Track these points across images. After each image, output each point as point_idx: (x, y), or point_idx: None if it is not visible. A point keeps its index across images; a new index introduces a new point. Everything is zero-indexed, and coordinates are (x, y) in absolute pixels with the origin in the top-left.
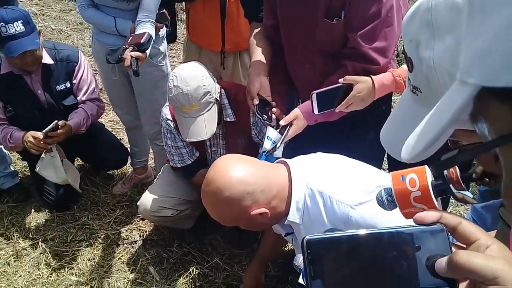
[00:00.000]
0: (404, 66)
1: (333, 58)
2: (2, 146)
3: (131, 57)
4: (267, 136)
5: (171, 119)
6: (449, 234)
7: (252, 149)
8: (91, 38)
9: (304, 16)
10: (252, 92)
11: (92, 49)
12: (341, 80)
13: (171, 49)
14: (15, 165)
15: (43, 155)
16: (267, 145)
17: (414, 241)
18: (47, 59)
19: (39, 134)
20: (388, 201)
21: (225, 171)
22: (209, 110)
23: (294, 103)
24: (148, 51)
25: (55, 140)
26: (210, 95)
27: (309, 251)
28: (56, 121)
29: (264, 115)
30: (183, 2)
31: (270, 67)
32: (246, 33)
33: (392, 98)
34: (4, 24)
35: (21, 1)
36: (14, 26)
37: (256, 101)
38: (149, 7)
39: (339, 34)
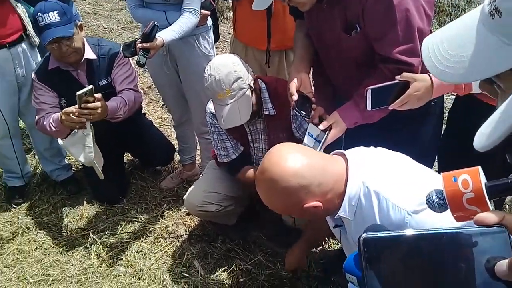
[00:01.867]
0: None
1: (365, 65)
2: (58, 139)
3: (139, 49)
4: (308, 133)
5: (215, 112)
6: (510, 236)
7: (295, 142)
8: None
9: (327, 31)
10: (292, 89)
11: None
12: (398, 76)
13: (216, 47)
14: (69, 158)
15: (75, 130)
16: (308, 141)
17: (473, 243)
18: (89, 55)
19: (72, 108)
20: (439, 203)
21: (281, 161)
22: (242, 96)
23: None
24: (164, 38)
25: (90, 114)
26: (242, 80)
27: (366, 250)
28: (91, 85)
29: (302, 111)
30: (230, 1)
31: (314, 67)
32: (292, 31)
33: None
34: (41, 14)
35: (74, 1)
36: (49, 16)
37: (295, 97)
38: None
39: (361, 45)
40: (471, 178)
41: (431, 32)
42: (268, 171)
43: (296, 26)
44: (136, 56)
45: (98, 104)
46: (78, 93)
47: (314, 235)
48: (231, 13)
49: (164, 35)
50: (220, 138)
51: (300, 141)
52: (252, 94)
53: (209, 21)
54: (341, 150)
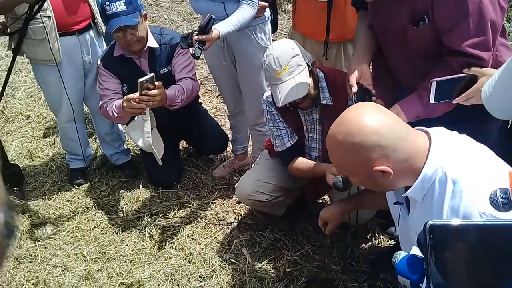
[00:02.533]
0: None
1: (431, 58)
2: (118, 124)
3: (195, 41)
4: None
5: (271, 97)
6: None
7: None
8: None
9: (393, 24)
10: (352, 80)
11: None
12: (465, 70)
13: (273, 40)
14: (128, 143)
15: (136, 117)
16: None
17: None
18: (152, 43)
19: (134, 95)
20: (503, 202)
21: (362, 116)
22: (300, 73)
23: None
24: (221, 31)
25: (149, 101)
26: (300, 57)
27: (431, 236)
28: (152, 73)
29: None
30: None
31: (375, 59)
32: (352, 23)
33: None
34: (108, 3)
35: None
36: (116, 5)
37: (355, 89)
38: None
39: (428, 38)
40: None
41: (503, 26)
42: (347, 123)
43: (358, 17)
44: (192, 48)
45: (158, 91)
46: (139, 80)
47: (363, 200)
48: (290, 6)
49: (221, 28)
50: (276, 125)
51: None
52: (310, 75)
53: (267, 13)
54: (423, 127)
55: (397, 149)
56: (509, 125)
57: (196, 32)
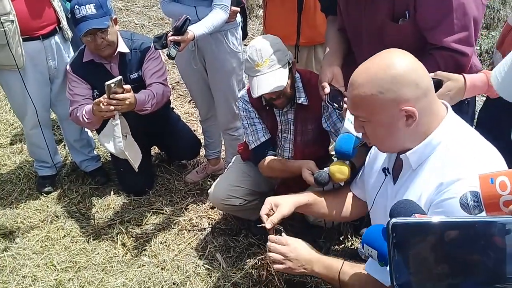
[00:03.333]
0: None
1: None
2: (88, 130)
3: (170, 42)
4: (347, 118)
5: (247, 95)
6: None
7: (321, 136)
8: None
9: (369, 22)
10: (324, 81)
11: None
12: (431, 74)
13: (244, 45)
14: (99, 150)
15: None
16: (348, 126)
17: (507, 231)
18: (122, 48)
19: (102, 98)
20: (474, 205)
21: (405, 54)
22: (280, 68)
23: None
24: (195, 32)
25: (118, 104)
26: (282, 53)
27: (394, 234)
28: (120, 76)
29: (334, 104)
30: None
31: (345, 61)
32: (322, 27)
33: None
34: (78, 7)
35: None
36: (86, 9)
37: (327, 90)
38: None
39: (407, 34)
40: (509, 180)
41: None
42: (389, 56)
43: (328, 22)
44: (167, 49)
45: (127, 95)
46: (107, 83)
47: (316, 202)
48: (261, 11)
49: (195, 29)
50: (251, 122)
51: (326, 134)
52: (289, 73)
53: (238, 18)
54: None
55: (427, 96)
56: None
57: (171, 33)
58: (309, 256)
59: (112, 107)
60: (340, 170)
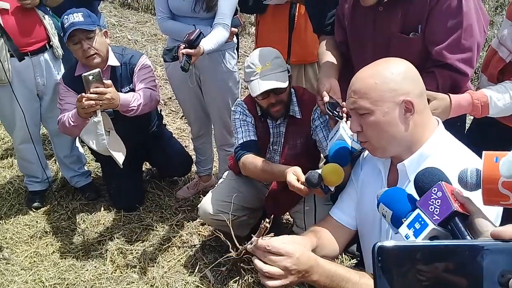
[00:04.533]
0: (484, 90)
1: None
2: (79, 146)
3: (183, 54)
4: (342, 127)
5: (245, 104)
6: None
7: (310, 152)
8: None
9: (377, 33)
10: (322, 91)
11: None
12: None
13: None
14: (89, 165)
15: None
16: (343, 134)
17: (487, 256)
18: (113, 61)
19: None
20: (472, 181)
21: (405, 60)
22: (281, 72)
23: None
24: (204, 47)
25: (99, 100)
26: (282, 61)
27: (380, 258)
28: (98, 69)
29: (334, 112)
30: (253, 16)
31: (340, 74)
32: (312, 47)
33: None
34: (66, 17)
35: (101, 12)
36: (74, 17)
37: (326, 99)
38: (224, 11)
39: (416, 49)
40: None
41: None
42: (388, 59)
43: (320, 40)
44: (177, 61)
45: (107, 89)
46: (84, 74)
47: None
48: (253, 28)
49: (204, 45)
50: (244, 123)
51: (315, 148)
52: (289, 79)
53: (235, 39)
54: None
55: (422, 98)
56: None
57: (184, 46)
58: (309, 263)
59: (93, 102)
60: (334, 171)
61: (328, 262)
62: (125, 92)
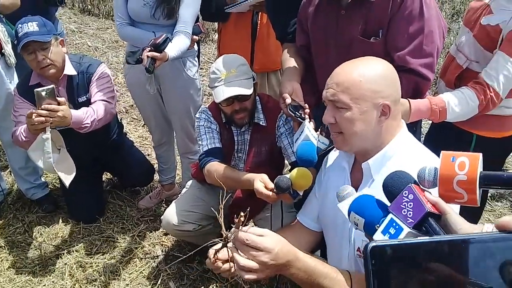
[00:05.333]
0: (442, 96)
1: None
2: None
3: (147, 57)
4: (306, 127)
5: (209, 111)
6: None
7: (275, 159)
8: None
9: (339, 36)
10: (285, 94)
11: (125, 69)
12: None
13: (201, 68)
14: (46, 176)
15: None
16: (308, 134)
17: (489, 248)
18: (70, 71)
19: (33, 109)
20: (429, 178)
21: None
22: (246, 79)
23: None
24: (169, 54)
25: (50, 116)
26: (248, 68)
27: (373, 262)
28: (52, 85)
29: (296, 112)
30: (216, 23)
31: (302, 78)
32: (275, 55)
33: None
34: (20, 25)
35: (60, 19)
36: (28, 26)
37: (289, 100)
38: (185, 19)
39: (377, 53)
40: (469, 161)
41: None
42: (374, 58)
43: (283, 48)
44: (137, 68)
45: (60, 107)
46: (36, 90)
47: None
48: (216, 35)
49: (168, 51)
50: (209, 130)
51: (279, 156)
52: (253, 87)
53: (195, 46)
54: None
55: (397, 105)
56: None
57: (149, 48)
58: (287, 257)
59: (43, 119)
60: (303, 175)
61: (309, 256)
62: (81, 101)
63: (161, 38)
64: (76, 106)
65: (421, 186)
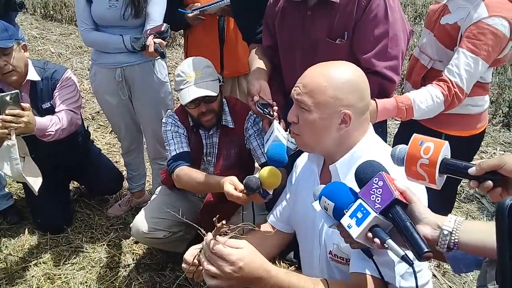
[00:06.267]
0: (407, 94)
1: None
2: None
3: (155, 43)
4: (276, 128)
5: (176, 115)
6: None
7: (244, 162)
8: (90, 64)
9: (305, 38)
10: (253, 92)
11: (91, 75)
12: None
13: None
14: (10, 187)
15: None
16: (278, 135)
17: None
18: (33, 76)
19: None
20: (399, 158)
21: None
22: (212, 81)
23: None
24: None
25: (13, 122)
26: (213, 70)
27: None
28: (17, 90)
29: (265, 109)
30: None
31: (269, 78)
32: (244, 58)
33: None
34: None
35: (21, 25)
36: None
37: (256, 98)
38: (154, 18)
39: (343, 55)
40: (434, 147)
41: None
42: (346, 63)
43: (250, 49)
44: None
45: (24, 112)
46: (0, 95)
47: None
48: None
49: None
50: (176, 135)
51: (248, 158)
52: (220, 88)
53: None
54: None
55: (363, 114)
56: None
57: (153, 36)
58: (256, 274)
59: (6, 125)
60: (272, 173)
61: (283, 271)
62: (45, 108)
63: (164, 26)
64: (40, 112)
65: (393, 163)
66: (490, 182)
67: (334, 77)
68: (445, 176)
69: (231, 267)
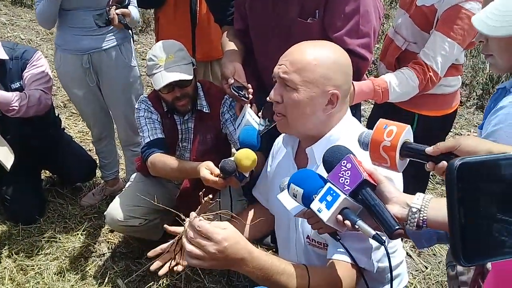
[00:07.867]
0: (383, 76)
1: None
2: None
3: (117, 14)
4: (248, 112)
5: (149, 101)
6: None
7: (220, 147)
8: (54, 50)
9: (277, 19)
10: (227, 74)
11: (56, 61)
12: None
13: (143, 59)
14: None
15: None
16: (249, 119)
17: None
18: (1, 55)
19: None
20: (364, 140)
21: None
22: (185, 64)
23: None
24: (132, 12)
25: None
26: (186, 53)
27: (460, 177)
28: None
29: (240, 92)
30: (153, 9)
31: (243, 61)
32: (217, 42)
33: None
34: None
35: None
36: None
37: (231, 81)
38: None
39: (315, 32)
40: (396, 130)
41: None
42: (335, 45)
43: (223, 31)
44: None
45: None
46: None
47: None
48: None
49: (130, 8)
50: (149, 121)
51: (225, 142)
52: (193, 72)
53: (130, 31)
54: None
55: (347, 96)
56: None
57: (115, 6)
58: (239, 255)
59: None
60: (246, 155)
61: (265, 254)
62: (14, 88)
63: None
64: (9, 92)
65: (360, 147)
66: (444, 162)
67: (324, 56)
68: (408, 160)
69: (215, 247)
